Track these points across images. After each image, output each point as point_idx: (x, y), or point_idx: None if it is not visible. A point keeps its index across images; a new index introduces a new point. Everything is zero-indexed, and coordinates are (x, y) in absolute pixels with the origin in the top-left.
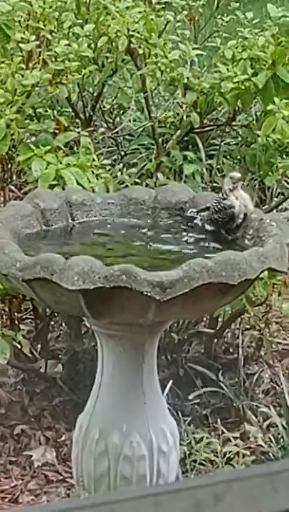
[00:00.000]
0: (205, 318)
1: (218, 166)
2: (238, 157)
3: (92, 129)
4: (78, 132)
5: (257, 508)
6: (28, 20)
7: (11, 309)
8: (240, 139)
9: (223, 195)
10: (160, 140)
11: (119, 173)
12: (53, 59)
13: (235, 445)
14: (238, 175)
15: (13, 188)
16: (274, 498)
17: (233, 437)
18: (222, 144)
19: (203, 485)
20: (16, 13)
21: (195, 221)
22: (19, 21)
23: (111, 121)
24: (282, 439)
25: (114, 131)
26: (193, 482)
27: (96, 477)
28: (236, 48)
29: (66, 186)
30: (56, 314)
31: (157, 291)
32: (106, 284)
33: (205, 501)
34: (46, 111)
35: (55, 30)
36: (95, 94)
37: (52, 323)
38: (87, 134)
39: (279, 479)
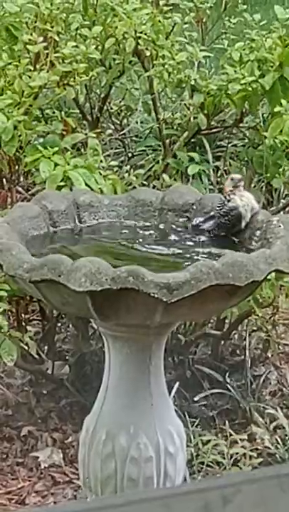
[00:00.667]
0: (212, 320)
1: (225, 168)
2: (245, 159)
3: (100, 130)
4: (86, 134)
5: (266, 510)
6: (36, 21)
7: (18, 311)
8: (247, 140)
9: (225, 197)
10: (167, 142)
11: (126, 175)
12: (61, 60)
13: (242, 447)
14: (238, 176)
15: (20, 189)
16: (283, 500)
17: (240, 439)
18: (229, 145)
19: (212, 487)
20: (23, 14)
21: (201, 228)
22: (26, 23)
23: (118, 122)
24: None
25: (122, 132)
26: (202, 484)
27: (103, 479)
28: (243, 49)
29: (74, 187)
30: (63, 316)
31: (164, 293)
32: (113, 286)
33: (214, 503)
34: (54, 112)
35: (63, 32)
36: (102, 96)
37: (59, 324)
38: (94, 135)
39: (288, 481)
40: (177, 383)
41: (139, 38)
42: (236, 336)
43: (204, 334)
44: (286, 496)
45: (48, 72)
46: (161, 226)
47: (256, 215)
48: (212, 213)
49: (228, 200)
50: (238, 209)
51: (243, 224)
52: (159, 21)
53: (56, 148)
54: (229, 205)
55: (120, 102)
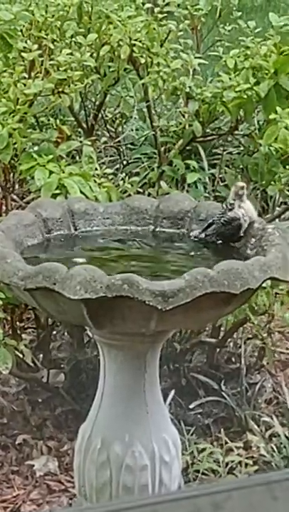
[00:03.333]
0: (207, 328)
1: (221, 175)
2: (241, 166)
3: (95, 138)
4: (80, 141)
5: None
6: (31, 29)
7: (13, 319)
8: (242, 148)
9: (227, 205)
10: (162, 149)
11: (121, 182)
12: (56, 68)
13: (238, 455)
14: (242, 184)
15: (15, 197)
16: (273, 507)
17: (236, 447)
18: (224, 153)
19: (203, 494)
20: (18, 22)
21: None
22: (21, 30)
23: (113, 130)
24: (284, 449)
25: (117, 140)
26: (193, 491)
27: (98, 487)
28: (238, 57)
29: (69, 195)
30: (58, 324)
31: (159, 301)
32: (108, 294)
33: (204, 510)
34: (49, 120)
35: (58, 40)
36: (97, 104)
37: (54, 332)
38: (89, 143)
39: (279, 488)
40: (172, 391)
41: (134, 45)
42: (232, 343)
43: (200, 342)
44: (276, 503)
45: (42, 79)
46: (156, 233)
47: (252, 223)
48: (211, 220)
49: (230, 209)
50: (239, 220)
51: (241, 232)
52: (154, 29)
53: (51, 156)
54: (230, 215)
55: (115, 109)
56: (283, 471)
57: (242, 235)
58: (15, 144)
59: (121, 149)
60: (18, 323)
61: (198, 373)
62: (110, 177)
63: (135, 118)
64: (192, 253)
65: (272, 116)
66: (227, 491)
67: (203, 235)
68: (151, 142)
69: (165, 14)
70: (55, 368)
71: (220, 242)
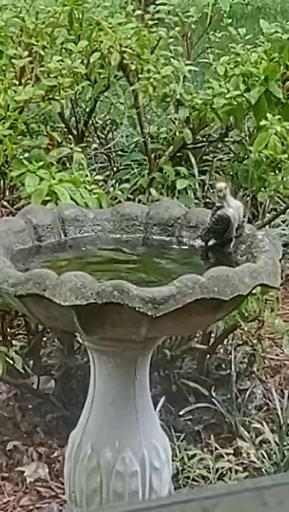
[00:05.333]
0: (198, 334)
1: (211, 182)
2: (231, 173)
3: (85, 144)
4: (71, 148)
5: None
6: (21, 36)
7: (4, 325)
8: (232, 154)
9: (215, 208)
10: (153, 156)
11: (111, 189)
12: (46, 75)
13: (228, 461)
14: (220, 185)
15: (5, 203)
16: None
17: (226, 453)
18: (214, 159)
19: (192, 499)
20: (8, 28)
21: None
22: (12, 37)
23: (104, 136)
24: (274, 455)
25: (107, 146)
26: (183, 496)
27: (88, 493)
28: (229, 63)
29: (59, 202)
30: (49, 330)
31: (150, 307)
32: (98, 300)
33: None
34: (39, 127)
35: (48, 46)
36: (87, 110)
37: (44, 338)
38: (80, 149)
39: (268, 494)
40: (163, 397)
41: (124, 52)
42: (222, 350)
43: (190, 348)
44: (266, 508)
45: (33, 86)
46: (146, 240)
47: (241, 228)
48: (203, 227)
49: (218, 208)
50: (229, 217)
51: (232, 232)
52: (144, 35)
53: (41, 163)
54: (219, 213)
55: (105, 116)
56: (273, 477)
57: (235, 234)
58: (5, 150)
59: (111, 156)
60: (8, 329)
61: (188, 380)
62: (101, 184)
63: (125, 124)
64: (182, 259)
65: (262, 122)
66: (217, 497)
67: (202, 243)
68: (142, 149)
69: (155, 21)
70: (45, 374)
71: (214, 242)
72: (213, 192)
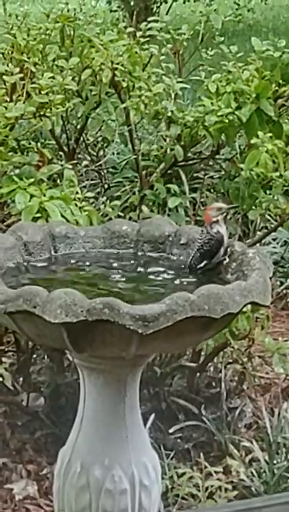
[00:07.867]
0: (188, 352)
1: (202, 200)
2: (222, 191)
3: (76, 161)
4: (62, 165)
5: None
6: (12, 52)
7: None
8: (223, 172)
9: (206, 227)
10: (144, 173)
11: (102, 206)
12: (37, 91)
13: (218, 479)
14: (224, 205)
15: None
16: None
17: (216, 472)
18: (206, 177)
19: None
20: None
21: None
22: (3, 53)
23: (95, 154)
24: (264, 474)
25: (98, 164)
26: None
27: (77, 511)
28: (220, 81)
29: (50, 219)
30: (38, 347)
31: (140, 325)
32: (89, 317)
33: None
34: (30, 143)
35: (39, 63)
36: (78, 127)
37: (34, 356)
38: (70, 166)
39: None
40: (153, 415)
41: (116, 69)
42: (212, 368)
43: (180, 366)
44: None
45: (24, 103)
46: (137, 257)
47: (232, 247)
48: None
49: (211, 228)
50: (221, 234)
51: (222, 253)
52: (136, 53)
53: (32, 180)
54: (212, 232)
55: (97, 133)
56: (264, 498)
57: (226, 256)
58: None
59: (102, 173)
60: None
61: (178, 397)
62: (91, 201)
63: (117, 142)
64: (173, 277)
65: (253, 140)
66: None
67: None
68: (133, 166)
69: (147, 38)
70: (34, 391)
71: (204, 262)
72: (204, 210)
